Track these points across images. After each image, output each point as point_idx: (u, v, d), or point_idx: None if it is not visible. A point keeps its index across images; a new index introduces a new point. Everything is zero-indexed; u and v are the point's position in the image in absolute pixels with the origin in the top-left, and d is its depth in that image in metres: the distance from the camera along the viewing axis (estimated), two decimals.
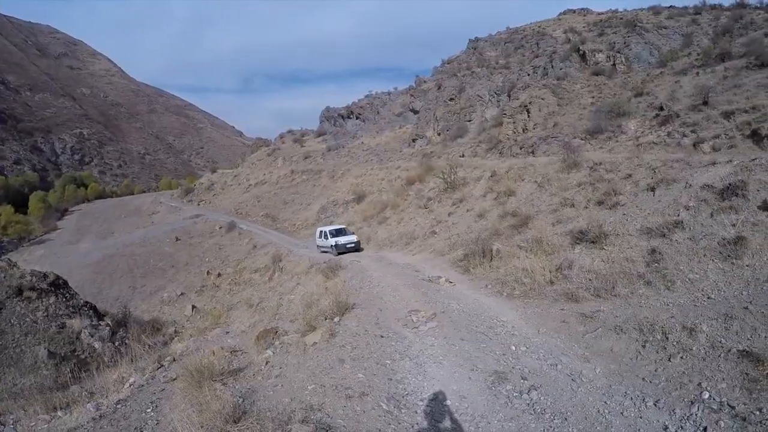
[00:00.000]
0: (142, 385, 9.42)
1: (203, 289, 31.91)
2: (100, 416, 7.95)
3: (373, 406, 6.97)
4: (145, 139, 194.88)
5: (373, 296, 13.38)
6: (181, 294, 32.17)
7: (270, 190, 58.08)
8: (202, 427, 6.23)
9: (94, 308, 17.40)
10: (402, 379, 7.90)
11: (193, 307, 25.01)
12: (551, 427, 6.43)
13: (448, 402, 7.21)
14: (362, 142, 68.82)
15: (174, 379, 9.11)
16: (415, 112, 64.73)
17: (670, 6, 56.89)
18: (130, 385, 9.70)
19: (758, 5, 46.53)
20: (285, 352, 9.40)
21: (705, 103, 25.58)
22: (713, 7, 51.46)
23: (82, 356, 14.49)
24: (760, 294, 8.58)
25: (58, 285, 16.85)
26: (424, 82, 72.80)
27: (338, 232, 29.16)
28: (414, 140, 54.32)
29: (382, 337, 9.84)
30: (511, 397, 7.26)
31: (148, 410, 8.02)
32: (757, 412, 5.89)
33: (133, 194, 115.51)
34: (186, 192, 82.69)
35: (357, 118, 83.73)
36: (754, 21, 40.71)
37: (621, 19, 53.81)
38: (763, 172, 12.47)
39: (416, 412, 6.90)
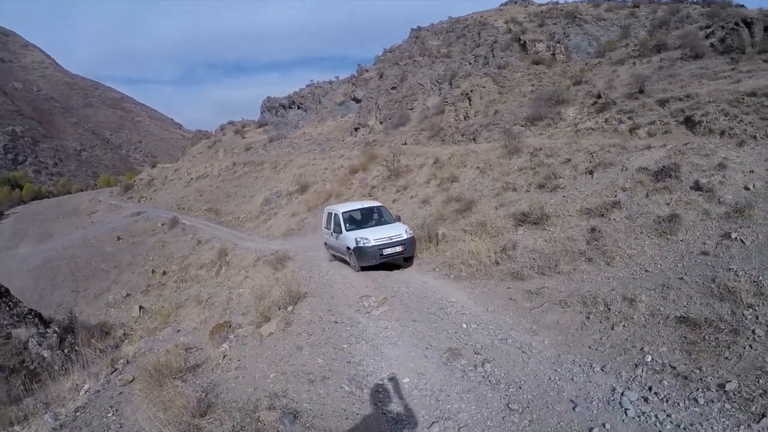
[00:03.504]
0: (98, 391, 9.17)
1: (149, 289, 30.98)
2: (61, 426, 7.76)
3: (335, 388, 7.10)
4: (81, 135, 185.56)
5: (323, 284, 13.49)
6: (127, 295, 31.11)
7: (212, 184, 56.78)
8: (170, 424, 6.17)
9: (39, 315, 16.61)
10: (360, 362, 8.07)
11: (141, 307, 24.33)
12: (507, 395, 6.66)
13: (407, 379, 7.40)
14: (304, 132, 68.37)
15: (131, 381, 8.97)
16: (357, 100, 64.57)
17: None
18: (85, 392, 9.41)
19: (694, 0, 48.53)
20: (242, 345, 9.37)
21: (641, 91, 26.47)
22: (651, 1, 53.42)
23: (32, 367, 13.81)
24: (694, 266, 9.06)
25: (0, 294, 16.13)
26: (366, 71, 72.54)
27: (365, 217, 17.03)
28: (356, 129, 54.26)
29: (336, 323, 9.96)
30: (467, 371, 7.48)
31: (109, 415, 7.90)
32: (697, 371, 6.34)
33: (70, 193, 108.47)
34: (125, 189, 79.33)
35: (299, 108, 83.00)
36: (690, 15, 42.53)
37: (561, 10, 55.29)
38: (695, 156, 13.03)
39: (378, 391, 7.07)
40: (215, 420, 6.13)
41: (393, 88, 52.30)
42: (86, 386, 9.79)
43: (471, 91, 38.53)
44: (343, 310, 10.88)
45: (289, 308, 10.90)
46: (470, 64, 47.27)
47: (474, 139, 31.47)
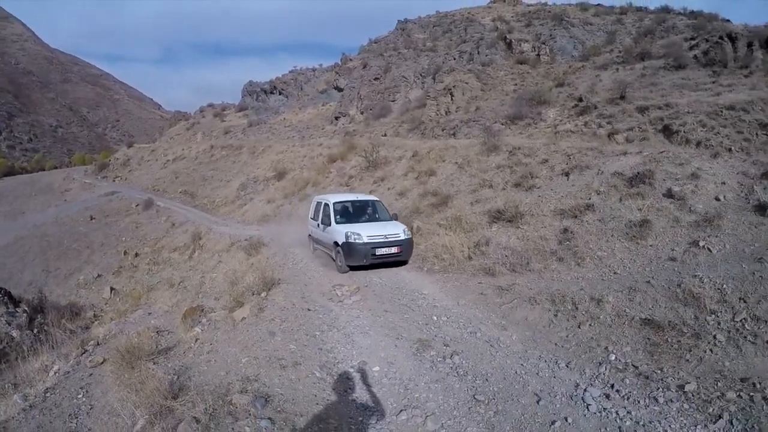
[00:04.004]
0: (68, 372, 9.04)
1: (121, 270, 30.44)
2: (30, 406, 7.61)
3: (307, 374, 7.14)
4: (58, 111, 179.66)
5: (297, 272, 13.53)
6: (98, 276, 30.55)
7: (189, 166, 55.93)
8: (142, 405, 6.17)
9: (8, 294, 16.28)
10: (332, 349, 8.14)
11: (112, 289, 23.89)
12: (474, 386, 6.79)
13: (377, 368, 7.48)
14: (284, 119, 68.09)
15: (101, 363, 8.88)
16: (340, 89, 64.29)
17: (598, 4, 59.67)
18: (55, 373, 9.27)
19: (681, 11, 49.24)
20: (214, 329, 9.33)
21: (622, 97, 26.78)
22: (639, 9, 54.30)
23: (0, 347, 13.71)
24: (662, 270, 9.29)
25: None
26: (350, 60, 72.21)
27: (359, 211, 15.80)
28: (337, 118, 54.09)
29: (309, 310, 10.02)
30: (436, 361, 7.60)
31: (79, 396, 7.82)
32: (659, 371, 6.57)
33: (44, 170, 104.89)
34: (100, 168, 77.57)
35: (280, 94, 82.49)
36: (676, 26, 43.07)
37: (549, 12, 55.45)
38: (670, 164, 13.25)
39: (348, 379, 7.15)
40: (187, 402, 6.11)
41: (376, 78, 52.21)
42: (56, 367, 9.66)
43: (454, 87, 38.61)
44: (316, 298, 10.94)
45: (263, 294, 10.87)
46: (455, 59, 47.36)
47: (454, 135, 31.55)
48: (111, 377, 7.83)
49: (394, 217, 15.48)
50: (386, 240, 13.49)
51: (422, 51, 54.18)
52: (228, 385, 6.68)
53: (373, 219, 15.35)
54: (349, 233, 13.37)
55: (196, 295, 13.97)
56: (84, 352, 10.22)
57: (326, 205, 15.48)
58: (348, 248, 13.21)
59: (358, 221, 14.90)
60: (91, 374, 8.69)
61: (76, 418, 7.19)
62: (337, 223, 14.51)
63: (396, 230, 13.91)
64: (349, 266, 13.37)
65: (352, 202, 16.11)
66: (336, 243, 13.82)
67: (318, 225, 15.76)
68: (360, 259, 13.15)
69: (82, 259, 36.19)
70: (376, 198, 17.26)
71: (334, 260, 14.15)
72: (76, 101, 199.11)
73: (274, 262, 14.66)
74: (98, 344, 10.63)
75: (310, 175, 32.60)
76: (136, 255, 32.61)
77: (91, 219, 45.03)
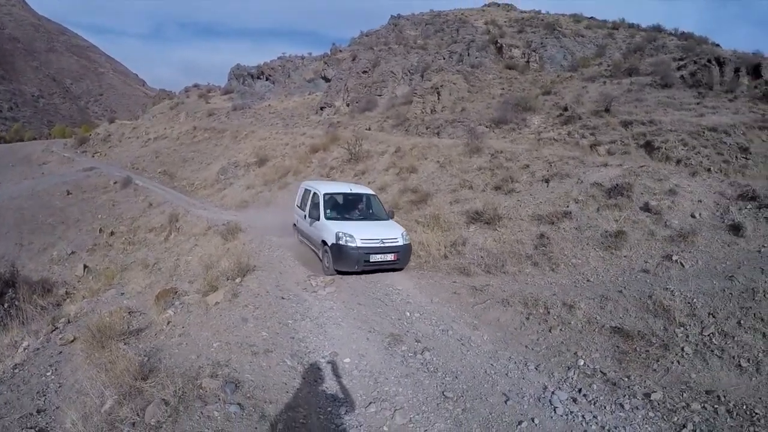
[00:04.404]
0: (38, 349, 8.98)
1: (95, 248, 29.88)
2: None
3: (278, 362, 7.15)
4: (41, 81, 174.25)
5: (273, 260, 13.38)
6: (72, 252, 29.86)
7: (170, 146, 55.05)
8: (111, 385, 6.13)
9: None
10: (304, 338, 8.14)
11: (85, 266, 23.46)
12: (443, 383, 6.85)
13: (348, 360, 7.50)
14: (270, 105, 67.41)
15: (71, 341, 8.85)
16: (327, 80, 63.96)
17: (591, 17, 60.13)
18: (24, 349, 9.17)
19: (672, 32, 49.96)
20: (187, 312, 9.28)
21: (607, 110, 27.03)
22: (631, 25, 54.93)
23: None
24: (634, 281, 9.47)
25: None
26: (340, 51, 71.89)
27: (351, 205, 14.37)
28: (322, 108, 53.77)
29: (283, 298, 9.98)
30: (407, 356, 7.66)
31: (48, 373, 7.79)
32: (626, 379, 6.76)
33: (23, 141, 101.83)
34: (80, 142, 75.43)
35: (267, 80, 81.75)
36: (666, 45, 43.59)
37: (542, 20, 55.80)
38: (649, 179, 13.42)
39: (319, 369, 7.17)
40: (157, 384, 6.08)
41: (364, 72, 52.03)
42: (25, 343, 9.56)
43: (441, 86, 38.63)
44: (290, 287, 10.91)
45: (237, 280, 10.79)
46: (444, 59, 47.35)
47: (438, 134, 31.59)
48: (81, 356, 7.81)
49: (390, 215, 14.07)
50: (382, 245, 11.97)
51: (413, 48, 54.09)
52: (198, 368, 6.66)
53: (367, 217, 13.84)
54: (340, 234, 11.80)
55: (170, 277, 13.91)
56: (54, 330, 10.15)
57: (315, 194, 13.86)
58: (338, 251, 11.72)
59: (351, 218, 13.36)
60: (61, 352, 8.67)
61: (45, 395, 7.17)
62: (327, 218, 12.90)
63: (393, 233, 12.39)
64: (336, 270, 11.98)
65: (346, 194, 14.52)
66: (324, 242, 12.36)
67: (305, 216, 14.22)
68: (351, 265, 11.71)
69: (56, 235, 35.48)
70: (372, 192, 15.46)
71: (320, 260, 12.79)
72: (60, 72, 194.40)
73: (250, 249, 14.50)
74: (69, 322, 10.56)
75: (291, 164, 32.44)
76: (112, 233, 32.03)
77: (68, 194, 43.95)
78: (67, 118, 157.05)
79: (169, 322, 8.89)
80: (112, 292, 13.34)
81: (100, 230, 33.14)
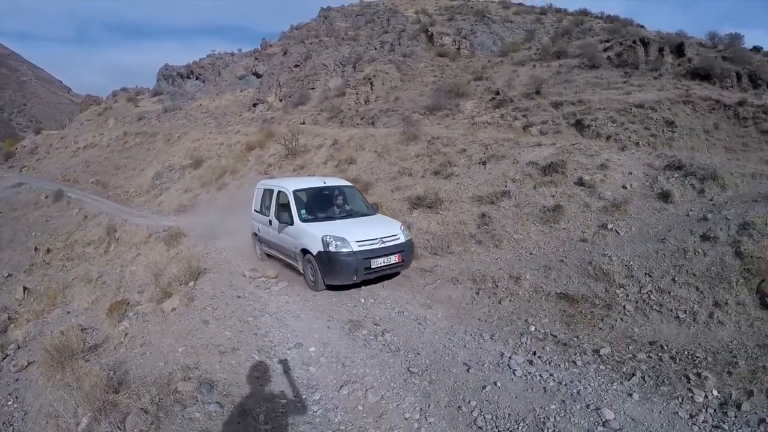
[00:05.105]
0: None
1: (33, 268, 28.47)
2: None
3: (246, 358, 7.14)
4: None
5: (221, 261, 13.26)
6: (9, 275, 28.33)
7: (101, 154, 53.09)
8: (83, 403, 5.96)
9: None
10: (267, 333, 8.12)
11: (25, 288, 22.48)
12: (407, 360, 7.03)
13: (314, 348, 7.54)
14: (201, 104, 66.13)
15: (26, 367, 8.65)
16: (258, 76, 63.17)
17: (519, 3, 61.69)
18: None
19: (598, 15, 51.71)
20: (143, 322, 9.09)
21: (538, 92, 27.92)
22: (558, 10, 56.47)
23: None
24: (574, 250, 9.91)
25: None
26: (271, 46, 70.87)
27: (328, 203, 11.91)
28: (255, 105, 53.07)
29: (239, 297, 9.92)
30: (368, 340, 7.78)
31: (9, 403, 7.62)
32: (575, 339, 7.22)
33: None
34: (6, 156, 72.18)
35: (197, 79, 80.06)
36: (593, 28, 45.06)
37: (472, 7, 56.43)
38: (581, 155, 13.91)
39: (287, 360, 7.19)
40: (131, 395, 5.95)
41: (296, 66, 51.68)
42: None
43: (374, 76, 38.81)
44: (244, 286, 10.84)
45: (191, 284, 10.61)
46: (376, 49, 47.50)
47: (373, 124, 31.72)
48: (42, 379, 7.62)
49: (374, 209, 12.15)
50: (383, 246, 9.90)
51: (344, 40, 54.00)
52: (169, 374, 6.58)
53: (350, 213, 11.64)
54: (328, 238, 9.63)
55: (117, 289, 13.49)
56: (5, 357, 9.81)
57: (282, 193, 11.61)
58: (328, 261, 9.55)
59: (332, 217, 11.20)
60: (17, 379, 8.47)
61: (11, 425, 7.02)
62: (303, 220, 10.69)
63: (391, 230, 10.43)
64: (327, 286, 10.00)
65: (320, 189, 12.08)
66: (305, 251, 10.17)
67: (269, 222, 11.95)
68: (348, 276, 9.58)
69: None
70: (349, 183, 13.43)
71: (301, 273, 10.69)
72: None
73: (196, 252, 14.27)
74: (19, 347, 10.27)
75: (228, 163, 31.99)
76: (48, 251, 30.73)
77: None
78: None
79: (126, 334, 8.70)
80: (57, 311, 13.00)
81: (36, 248, 31.70)
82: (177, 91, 79.59)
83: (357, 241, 9.60)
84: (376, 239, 9.84)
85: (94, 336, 9.33)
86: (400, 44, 46.15)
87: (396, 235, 10.22)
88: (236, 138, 37.31)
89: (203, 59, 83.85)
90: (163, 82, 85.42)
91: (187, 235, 17.15)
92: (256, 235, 13.22)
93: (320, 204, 11.65)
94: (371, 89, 38.11)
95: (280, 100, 49.59)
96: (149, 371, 6.86)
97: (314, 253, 9.71)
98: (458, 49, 45.25)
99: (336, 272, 9.52)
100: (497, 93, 29.48)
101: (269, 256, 12.76)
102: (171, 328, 8.43)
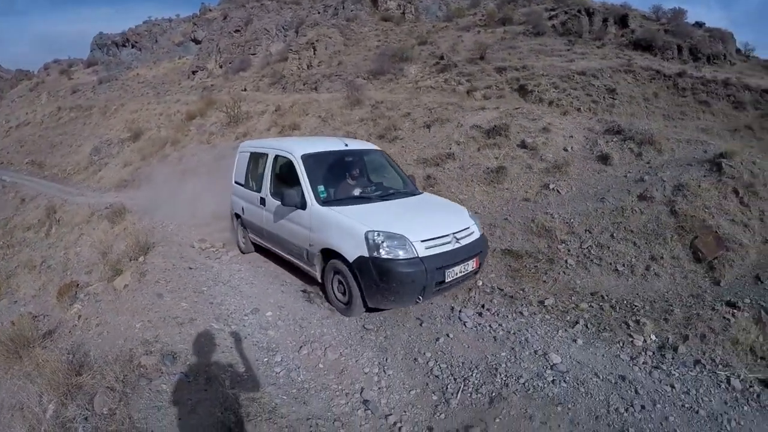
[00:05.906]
0: None
1: None
2: None
3: (205, 327, 7.05)
4: None
5: (168, 234, 12.97)
6: None
7: (34, 132, 50.51)
8: (46, 390, 5.77)
9: None
10: (222, 302, 8.03)
11: None
12: (361, 319, 7.12)
13: (270, 313, 7.52)
14: (138, 74, 63.96)
15: None
16: (197, 42, 61.61)
17: None
18: None
19: None
20: (96, 302, 8.77)
21: (482, 58, 28.05)
22: None
23: None
24: (517, 209, 10.17)
25: None
26: (210, 10, 68.98)
27: (352, 171, 8.15)
28: (194, 72, 51.79)
29: (191, 268, 9.73)
30: (323, 301, 7.82)
31: None
32: (521, 291, 7.57)
33: None
34: None
35: (133, 47, 77.45)
36: None
37: None
38: (524, 119, 14.10)
39: (245, 326, 7.17)
40: (95, 375, 5.82)
41: (237, 31, 50.56)
42: None
43: (317, 41, 38.22)
44: (194, 257, 10.64)
45: (141, 259, 10.32)
46: (319, 13, 46.85)
47: (316, 89, 31.36)
48: None
49: (412, 181, 8.74)
50: (459, 246, 6.65)
51: (286, 4, 53.00)
52: (130, 351, 6.43)
53: (388, 193, 8.05)
54: (377, 237, 6.14)
55: (64, 272, 13.16)
56: None
57: (282, 160, 8.16)
58: (380, 274, 6.07)
59: (368, 199, 7.61)
60: None
61: None
62: (323, 203, 7.18)
63: (460, 219, 7.19)
64: (366, 308, 6.82)
65: (342, 155, 8.43)
66: (332, 253, 6.82)
67: (261, 201, 8.72)
68: (410, 296, 6.25)
69: None
70: (374, 146, 9.85)
71: (319, 283, 7.64)
72: None
73: (142, 227, 13.93)
74: None
75: (168, 134, 31.10)
76: None
77: None
78: None
79: (80, 316, 8.41)
80: (4, 302, 12.70)
81: None
82: (112, 60, 76.90)
83: (422, 241, 6.27)
84: (447, 236, 6.56)
85: (47, 322, 9.03)
86: (343, 8, 45.59)
87: (468, 229, 7.01)
88: (176, 107, 36.47)
89: (139, 26, 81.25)
90: (98, 52, 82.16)
91: (131, 211, 16.72)
92: (238, 217, 10.11)
93: (342, 178, 8.11)
94: (314, 54, 37.59)
95: (221, 67, 48.55)
96: (109, 350, 6.73)
97: (350, 260, 6.36)
98: (403, 13, 44.99)
99: (391, 291, 6.13)
100: (441, 58, 29.46)
101: (259, 247, 9.94)
102: (125, 305, 8.25)
